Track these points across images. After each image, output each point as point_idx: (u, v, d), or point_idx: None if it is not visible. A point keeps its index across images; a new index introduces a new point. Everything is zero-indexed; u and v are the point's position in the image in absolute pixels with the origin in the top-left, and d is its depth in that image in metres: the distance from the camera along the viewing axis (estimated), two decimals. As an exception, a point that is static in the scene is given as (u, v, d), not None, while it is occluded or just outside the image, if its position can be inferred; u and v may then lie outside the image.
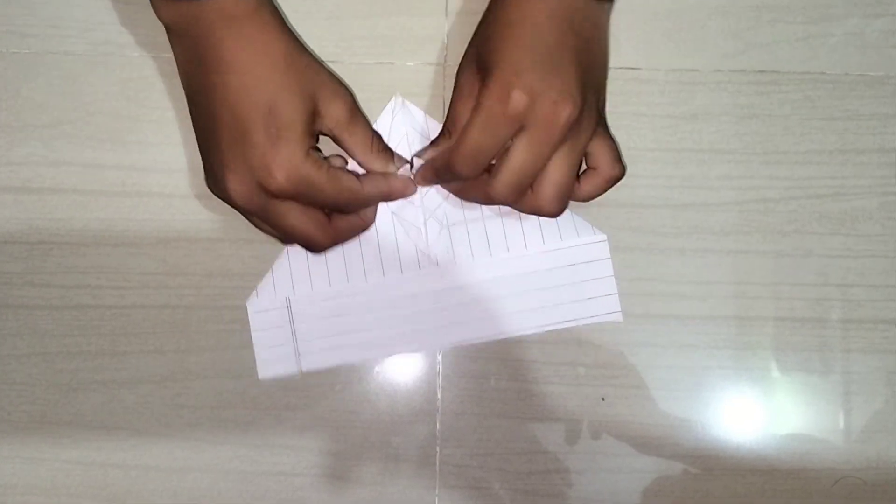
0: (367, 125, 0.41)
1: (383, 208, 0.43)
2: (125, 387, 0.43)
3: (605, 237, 0.44)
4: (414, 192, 0.42)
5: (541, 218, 0.43)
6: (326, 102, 0.39)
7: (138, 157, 0.44)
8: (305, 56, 0.40)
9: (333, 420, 0.44)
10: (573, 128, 0.38)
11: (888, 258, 0.44)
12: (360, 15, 0.44)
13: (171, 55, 0.44)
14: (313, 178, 0.38)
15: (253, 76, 0.38)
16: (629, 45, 0.44)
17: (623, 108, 0.44)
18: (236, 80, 0.38)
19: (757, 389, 0.44)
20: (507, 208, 0.43)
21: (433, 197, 0.43)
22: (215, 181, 0.39)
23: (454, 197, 0.43)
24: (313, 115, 0.39)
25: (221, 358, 0.43)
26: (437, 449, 0.44)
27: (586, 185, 0.41)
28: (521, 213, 0.43)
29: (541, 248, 0.43)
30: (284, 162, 0.37)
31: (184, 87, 0.41)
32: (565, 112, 0.37)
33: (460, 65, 0.41)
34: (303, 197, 0.39)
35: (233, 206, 0.39)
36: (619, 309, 0.43)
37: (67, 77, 0.44)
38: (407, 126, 0.43)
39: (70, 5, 0.44)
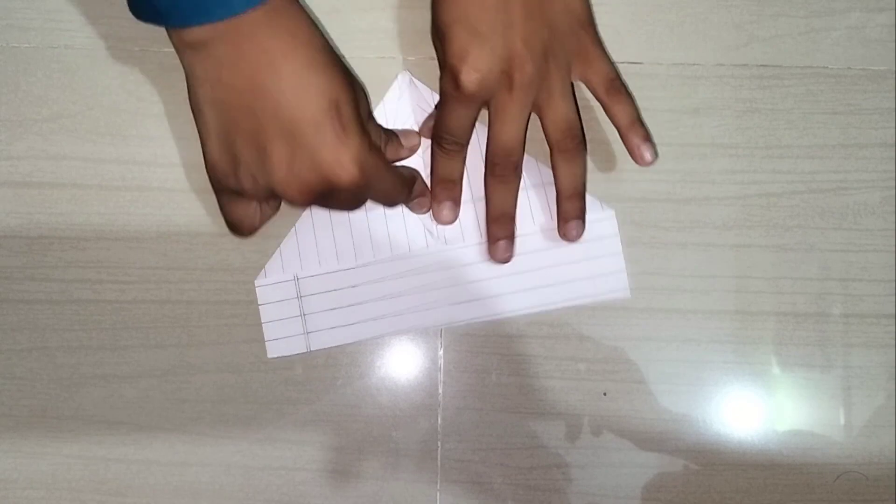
0: (375, 120, 0.43)
1: None
2: (126, 381, 0.43)
3: (612, 213, 0.44)
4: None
5: (548, 195, 0.43)
6: (358, 82, 0.41)
7: (139, 151, 0.44)
8: (327, 40, 0.39)
9: (335, 415, 0.43)
10: (542, 76, 0.40)
11: (890, 253, 0.44)
12: (362, 8, 0.44)
13: (170, 49, 0.44)
14: (380, 165, 0.39)
15: (310, 72, 0.37)
16: (631, 39, 0.44)
17: (625, 103, 0.44)
18: (294, 78, 0.37)
19: (758, 384, 0.44)
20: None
21: None
22: (264, 186, 0.38)
23: None
24: (359, 98, 0.39)
25: (223, 352, 0.43)
26: (439, 444, 0.44)
27: (608, 109, 0.42)
28: (528, 190, 0.43)
29: (548, 224, 0.43)
30: (354, 156, 0.37)
31: (206, 96, 0.38)
32: (519, 76, 0.39)
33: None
34: (368, 187, 0.39)
35: (279, 196, 0.39)
36: (627, 286, 0.43)
37: (67, 71, 0.44)
38: (414, 103, 0.43)
39: (70, -1, 0.44)
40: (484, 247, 0.43)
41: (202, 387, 0.43)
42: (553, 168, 0.42)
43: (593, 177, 0.44)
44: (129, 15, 0.44)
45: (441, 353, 0.44)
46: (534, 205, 0.44)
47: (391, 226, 0.43)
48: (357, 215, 0.43)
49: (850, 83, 0.44)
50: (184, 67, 0.39)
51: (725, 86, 0.44)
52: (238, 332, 0.43)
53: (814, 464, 0.44)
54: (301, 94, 0.37)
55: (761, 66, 0.44)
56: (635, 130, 0.42)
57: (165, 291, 0.43)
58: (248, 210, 0.41)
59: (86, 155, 0.44)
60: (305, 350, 0.43)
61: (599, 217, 0.43)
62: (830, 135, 0.44)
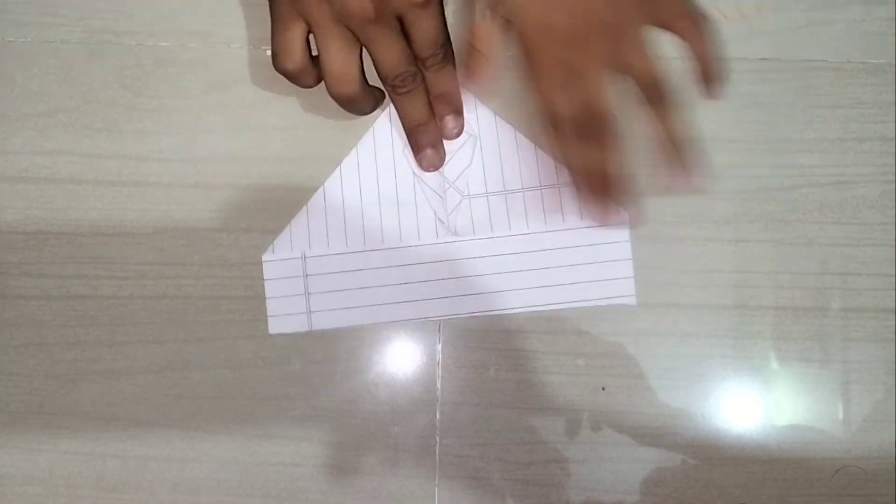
0: None
1: (405, 170, 0.43)
2: (123, 377, 0.43)
3: (626, 218, 0.43)
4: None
5: (561, 196, 0.43)
6: None
7: (135, 146, 0.44)
8: None
9: (333, 410, 0.43)
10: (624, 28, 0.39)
11: (890, 247, 0.44)
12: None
13: (167, 44, 0.44)
14: None
15: None
16: (630, 32, 0.44)
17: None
18: None
19: (757, 379, 0.44)
20: (528, 183, 0.43)
21: (455, 166, 0.43)
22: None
23: (475, 167, 0.43)
24: None
25: (220, 348, 0.43)
26: (437, 439, 0.43)
27: (691, 54, 0.41)
28: (541, 190, 0.43)
29: (560, 226, 0.43)
30: None
31: None
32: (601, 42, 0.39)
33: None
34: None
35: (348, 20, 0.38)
36: (634, 293, 0.43)
37: (64, 66, 0.44)
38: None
39: (66, -7, 0.44)
40: (496, 235, 0.43)
41: (200, 382, 0.43)
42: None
43: (592, 171, 0.44)
44: (125, 9, 0.44)
45: (439, 347, 0.44)
46: (547, 205, 0.43)
47: (402, 214, 0.43)
48: (369, 199, 0.43)
49: (850, 77, 0.44)
50: None
51: (724, 79, 0.44)
52: (236, 328, 0.43)
53: (812, 458, 0.44)
54: None
55: (761, 59, 0.44)
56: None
57: (163, 287, 0.43)
58: (294, 40, 0.39)
59: (82, 150, 0.43)
60: (307, 328, 0.43)
61: (613, 222, 0.43)
62: (830, 129, 0.44)
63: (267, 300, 0.43)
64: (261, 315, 0.43)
